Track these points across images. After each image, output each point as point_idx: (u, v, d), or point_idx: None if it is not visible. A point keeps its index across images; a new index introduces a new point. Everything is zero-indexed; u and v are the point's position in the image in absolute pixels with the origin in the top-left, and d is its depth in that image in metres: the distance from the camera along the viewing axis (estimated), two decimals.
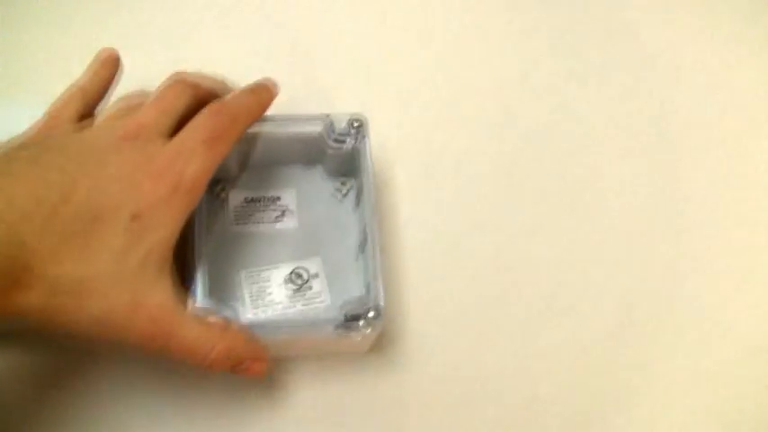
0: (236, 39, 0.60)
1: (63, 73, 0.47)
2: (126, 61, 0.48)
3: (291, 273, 0.51)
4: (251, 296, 0.51)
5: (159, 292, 0.41)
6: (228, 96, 0.47)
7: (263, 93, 0.48)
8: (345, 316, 0.46)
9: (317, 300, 0.51)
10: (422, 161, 0.58)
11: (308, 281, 0.51)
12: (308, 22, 0.61)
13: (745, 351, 0.53)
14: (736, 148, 0.59)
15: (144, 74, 0.46)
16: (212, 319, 0.44)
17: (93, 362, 0.49)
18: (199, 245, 0.47)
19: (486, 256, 0.55)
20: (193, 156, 0.42)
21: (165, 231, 0.41)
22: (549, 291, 0.55)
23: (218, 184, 0.53)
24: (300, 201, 0.53)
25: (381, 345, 0.52)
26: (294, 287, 0.51)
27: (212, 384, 0.50)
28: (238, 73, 0.49)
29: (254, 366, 0.45)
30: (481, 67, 0.60)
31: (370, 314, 0.46)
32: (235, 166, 0.53)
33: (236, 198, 0.53)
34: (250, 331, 0.45)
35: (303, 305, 0.50)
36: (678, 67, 0.61)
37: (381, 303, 0.46)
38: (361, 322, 0.46)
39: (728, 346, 0.53)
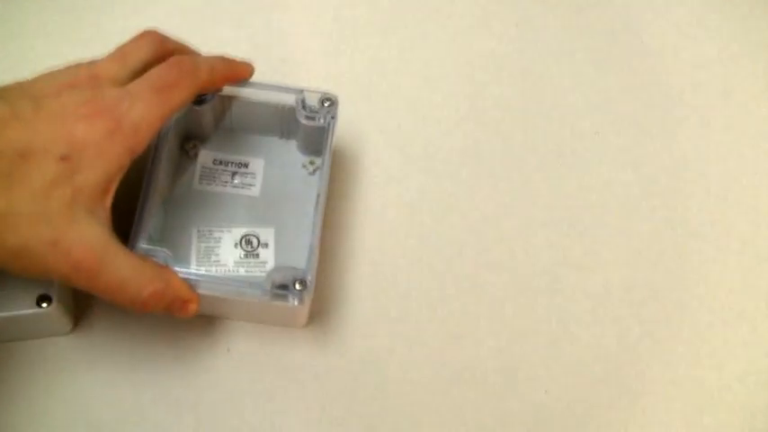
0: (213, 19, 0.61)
1: None
2: None
3: (242, 238, 0.52)
4: (198, 253, 0.51)
5: (86, 231, 0.41)
6: (196, 55, 0.48)
7: (235, 63, 0.49)
8: (272, 283, 0.46)
9: (261, 269, 0.51)
10: (390, 145, 0.57)
11: (256, 248, 0.52)
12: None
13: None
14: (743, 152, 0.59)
15: None
16: (148, 261, 0.45)
17: None
18: (150, 192, 0.48)
19: (442, 245, 0.55)
20: (138, 100, 0.43)
21: (95, 173, 0.41)
22: (504, 283, 0.54)
23: (189, 141, 0.54)
24: (268, 171, 0.54)
25: (319, 322, 0.52)
26: (242, 252, 0.51)
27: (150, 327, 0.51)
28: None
29: (186, 307, 0.45)
30: (454, 49, 0.61)
31: (297, 286, 0.46)
32: (209, 125, 0.54)
33: (205, 157, 0.54)
34: (182, 276, 0.46)
35: (246, 271, 0.51)
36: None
37: (309, 278, 0.46)
38: (289, 293, 0.46)
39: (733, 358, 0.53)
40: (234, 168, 0.54)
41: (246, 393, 0.50)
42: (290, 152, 0.55)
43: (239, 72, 0.50)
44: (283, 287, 0.46)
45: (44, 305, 0.46)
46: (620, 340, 0.53)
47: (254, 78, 0.51)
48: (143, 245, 0.46)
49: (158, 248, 0.46)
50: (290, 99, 0.51)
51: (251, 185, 0.54)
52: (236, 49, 0.50)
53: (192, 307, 0.46)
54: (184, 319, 0.46)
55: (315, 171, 0.54)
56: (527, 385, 0.51)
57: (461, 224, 0.55)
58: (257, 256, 0.51)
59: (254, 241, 0.52)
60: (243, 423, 0.49)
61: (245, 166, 0.54)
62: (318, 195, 0.49)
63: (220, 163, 0.54)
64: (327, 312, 0.52)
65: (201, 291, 0.46)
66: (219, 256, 0.51)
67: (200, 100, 0.51)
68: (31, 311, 0.46)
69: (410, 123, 0.58)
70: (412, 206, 0.55)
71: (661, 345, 0.53)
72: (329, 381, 0.50)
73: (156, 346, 0.50)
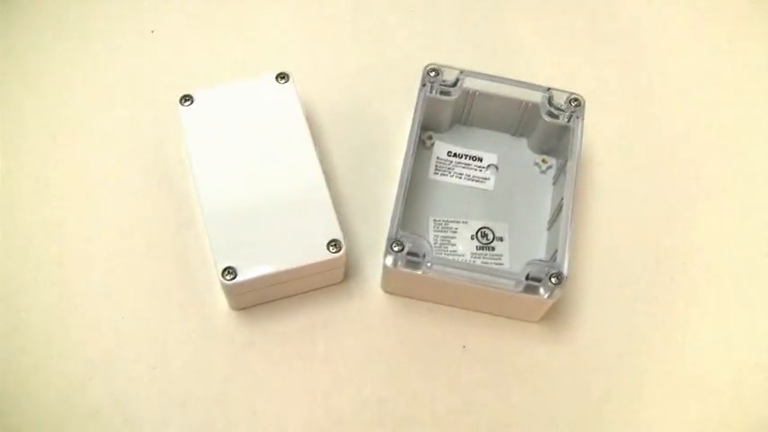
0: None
1: None
2: None
3: (478, 231, 0.53)
4: (435, 242, 0.52)
5: None
6: None
7: None
8: (527, 276, 0.47)
9: (497, 261, 0.52)
10: (617, 151, 0.58)
11: (492, 241, 0.52)
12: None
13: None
14: None
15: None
16: None
17: None
18: (405, 180, 0.49)
19: (668, 255, 0.55)
20: None
21: None
22: (734, 288, 0.54)
23: (426, 132, 0.55)
24: (500, 166, 0.55)
25: (550, 317, 0.52)
26: (478, 245, 0.52)
27: None
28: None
29: None
30: (682, 61, 0.63)
31: (552, 279, 0.47)
32: (447, 118, 0.55)
33: (440, 149, 0.55)
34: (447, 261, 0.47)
35: (483, 263, 0.52)
36: None
37: (564, 272, 0.47)
38: (542, 286, 0.47)
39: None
40: (468, 162, 0.55)
41: (480, 387, 0.50)
42: (520, 150, 0.55)
43: None
44: (537, 280, 0.47)
45: (333, 250, 0.45)
46: None
47: (499, 74, 0.52)
48: (402, 232, 0.47)
49: (422, 237, 0.47)
50: (535, 96, 0.52)
51: (485, 179, 0.54)
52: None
53: None
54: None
55: (547, 170, 0.55)
56: (754, 399, 0.51)
57: (687, 234, 0.55)
58: (493, 249, 0.52)
59: (490, 234, 0.53)
60: (474, 420, 0.50)
61: (479, 160, 0.55)
62: (565, 197, 0.49)
63: (455, 155, 0.55)
64: (558, 310, 0.52)
65: (455, 278, 0.47)
66: (456, 247, 0.52)
67: (445, 91, 0.52)
68: (325, 258, 0.45)
69: (636, 132, 0.59)
70: (639, 215, 0.56)
71: None
72: (559, 380, 0.51)
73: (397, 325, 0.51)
